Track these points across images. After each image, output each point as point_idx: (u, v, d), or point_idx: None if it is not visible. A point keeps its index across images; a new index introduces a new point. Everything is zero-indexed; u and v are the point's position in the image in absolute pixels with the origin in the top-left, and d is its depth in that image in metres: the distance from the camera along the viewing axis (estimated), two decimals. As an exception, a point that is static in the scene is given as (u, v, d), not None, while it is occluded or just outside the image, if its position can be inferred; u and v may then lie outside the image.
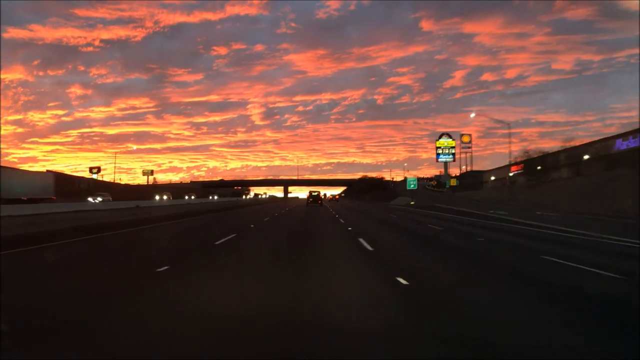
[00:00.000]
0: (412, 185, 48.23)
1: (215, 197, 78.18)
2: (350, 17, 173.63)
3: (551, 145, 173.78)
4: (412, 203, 46.65)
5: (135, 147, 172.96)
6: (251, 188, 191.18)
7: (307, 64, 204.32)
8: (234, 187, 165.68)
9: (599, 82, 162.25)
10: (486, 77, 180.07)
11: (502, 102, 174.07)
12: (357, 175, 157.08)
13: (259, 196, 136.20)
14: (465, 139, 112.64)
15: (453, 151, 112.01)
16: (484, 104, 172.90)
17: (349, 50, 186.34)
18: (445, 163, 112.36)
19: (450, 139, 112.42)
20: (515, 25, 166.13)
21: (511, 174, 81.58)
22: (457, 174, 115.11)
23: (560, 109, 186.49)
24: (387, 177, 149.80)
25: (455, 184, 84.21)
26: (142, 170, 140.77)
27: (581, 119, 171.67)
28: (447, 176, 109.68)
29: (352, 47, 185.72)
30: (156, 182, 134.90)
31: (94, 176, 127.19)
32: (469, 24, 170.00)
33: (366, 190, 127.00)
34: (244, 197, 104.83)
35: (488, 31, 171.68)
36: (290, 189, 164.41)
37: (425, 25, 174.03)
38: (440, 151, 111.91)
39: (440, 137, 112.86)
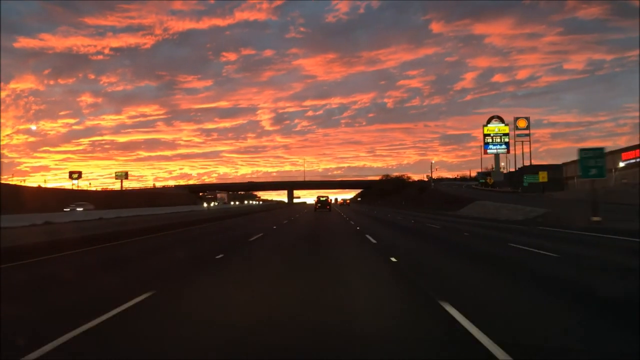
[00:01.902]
0: (593, 171, 20.25)
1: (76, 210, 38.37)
2: (359, 21, 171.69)
3: (564, 145, 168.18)
4: (597, 219, 19.45)
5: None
6: (257, 193, 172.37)
7: (316, 68, 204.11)
8: (229, 192, 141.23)
9: (611, 82, 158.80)
10: (497, 78, 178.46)
11: (513, 103, 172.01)
12: (370, 178, 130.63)
13: (231, 204, 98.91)
14: (522, 123, 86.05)
15: (507, 139, 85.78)
16: (495, 106, 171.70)
17: (358, 53, 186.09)
18: (497, 156, 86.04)
19: (503, 124, 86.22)
20: (527, 25, 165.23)
21: (623, 163, 55.26)
22: (512, 170, 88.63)
23: (572, 109, 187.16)
24: (407, 178, 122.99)
25: (545, 180, 57.15)
26: (115, 173, 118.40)
27: (594, 119, 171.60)
28: (500, 173, 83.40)
29: (361, 51, 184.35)
30: (154, 187, 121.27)
31: (74, 182, 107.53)
32: (480, 25, 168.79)
33: (389, 193, 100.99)
34: (205, 205, 75.21)
35: (499, 32, 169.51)
36: (298, 193, 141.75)
37: (435, 27, 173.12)
38: (489, 140, 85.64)
39: (489, 121, 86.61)
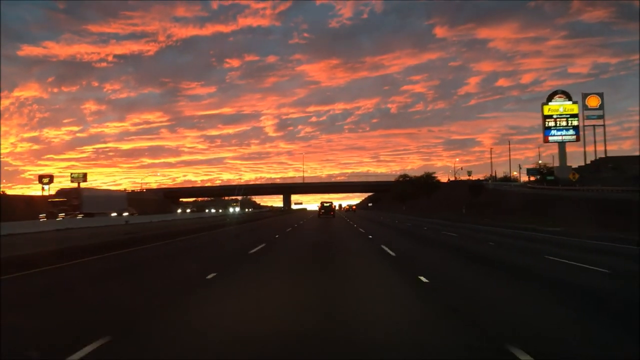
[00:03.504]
0: None
1: None
2: (363, 26, 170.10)
3: (568, 150, 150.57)
4: None
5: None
6: (256, 199, 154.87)
7: (320, 74, 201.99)
8: (221, 197, 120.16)
9: (616, 85, 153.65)
10: (501, 82, 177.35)
11: (517, 107, 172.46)
12: (376, 180, 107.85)
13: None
14: (593, 101, 63.73)
15: (575, 122, 63.38)
16: (499, 110, 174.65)
17: (362, 59, 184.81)
18: (562, 144, 63.59)
19: (570, 102, 63.89)
20: (531, 29, 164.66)
21: None
22: (583, 163, 66.14)
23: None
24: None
25: None
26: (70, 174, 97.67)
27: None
28: (567, 168, 61.10)
29: (365, 56, 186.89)
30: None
31: (45, 187, 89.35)
32: (484, 29, 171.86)
33: (413, 197, 78.81)
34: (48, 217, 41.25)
35: (503, 36, 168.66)
36: (299, 199, 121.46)
37: (439, 31, 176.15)
38: (551, 123, 63.26)
39: (550, 97, 64.20)
